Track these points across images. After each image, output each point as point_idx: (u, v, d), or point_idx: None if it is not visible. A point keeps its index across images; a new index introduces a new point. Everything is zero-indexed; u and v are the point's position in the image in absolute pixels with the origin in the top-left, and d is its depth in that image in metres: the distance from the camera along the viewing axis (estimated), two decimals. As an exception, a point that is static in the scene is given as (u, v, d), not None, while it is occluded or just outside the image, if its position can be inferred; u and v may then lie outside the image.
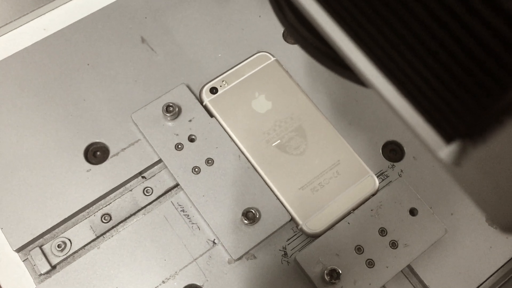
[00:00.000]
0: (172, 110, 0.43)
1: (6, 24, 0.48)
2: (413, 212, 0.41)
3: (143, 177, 0.43)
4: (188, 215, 0.41)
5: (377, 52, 0.17)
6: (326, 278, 0.38)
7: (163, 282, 0.39)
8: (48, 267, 0.38)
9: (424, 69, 0.15)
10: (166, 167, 0.42)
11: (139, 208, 0.41)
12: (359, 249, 0.39)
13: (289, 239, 0.41)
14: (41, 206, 0.40)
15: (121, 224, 0.41)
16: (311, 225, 0.40)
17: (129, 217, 0.41)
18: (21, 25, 0.49)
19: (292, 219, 0.41)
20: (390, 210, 0.41)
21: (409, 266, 0.41)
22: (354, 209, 0.41)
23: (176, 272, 0.39)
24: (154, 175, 0.43)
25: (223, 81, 0.46)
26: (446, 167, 0.16)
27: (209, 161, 0.42)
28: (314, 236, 0.40)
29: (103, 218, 0.41)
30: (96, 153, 0.43)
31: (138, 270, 0.39)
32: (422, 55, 0.15)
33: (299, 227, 0.41)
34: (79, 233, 0.40)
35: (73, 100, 0.45)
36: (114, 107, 0.45)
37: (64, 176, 0.41)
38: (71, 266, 0.38)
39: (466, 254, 0.42)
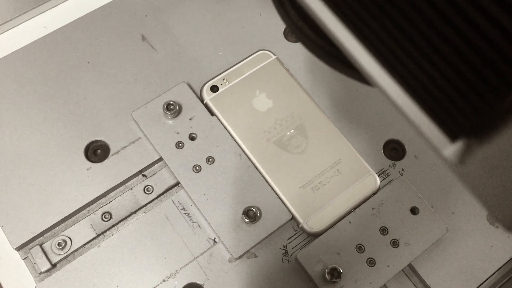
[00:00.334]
0: (172, 109, 0.42)
1: (6, 22, 0.48)
2: (414, 211, 0.41)
3: (143, 175, 0.43)
4: (189, 214, 0.41)
5: (382, 50, 0.17)
6: (327, 277, 0.37)
7: (164, 280, 0.39)
8: (48, 266, 0.38)
9: (429, 67, 0.15)
10: (167, 165, 0.42)
11: (140, 206, 0.41)
12: (360, 248, 0.39)
13: (290, 238, 0.41)
14: (42, 205, 0.40)
15: (122, 222, 0.41)
16: (312, 223, 0.40)
17: (129, 215, 0.41)
18: (21, 23, 0.49)
19: (293, 217, 0.41)
20: (391, 209, 0.41)
21: (410, 265, 0.41)
22: (355, 208, 0.41)
23: (176, 270, 0.39)
24: (155, 174, 0.42)
25: (223, 79, 0.46)
26: (450, 165, 0.16)
27: (210, 160, 0.42)
28: (315, 235, 0.40)
29: (103, 216, 0.41)
30: (96, 151, 0.43)
31: (139, 268, 0.39)
32: (427, 52, 0.15)
33: (300, 225, 0.41)
34: (80, 232, 0.40)
35: (73, 98, 0.45)
36: (115, 105, 0.44)
37: (65, 175, 0.41)
38: (71, 264, 0.38)
39: (467, 253, 0.42)
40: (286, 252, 0.40)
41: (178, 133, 0.43)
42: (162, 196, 0.42)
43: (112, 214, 0.41)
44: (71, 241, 0.39)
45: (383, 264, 0.39)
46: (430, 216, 0.41)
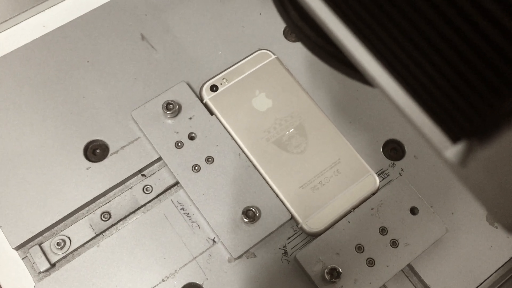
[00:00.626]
0: (172, 108, 0.42)
1: (6, 20, 0.48)
2: (413, 211, 0.41)
3: (143, 175, 0.43)
4: (188, 214, 0.41)
5: (383, 50, 0.17)
6: (326, 277, 0.37)
7: (163, 280, 0.38)
8: (47, 265, 0.38)
9: (431, 68, 0.15)
10: (166, 165, 0.42)
11: (139, 206, 0.41)
12: (359, 248, 0.39)
13: (289, 238, 0.41)
14: (41, 204, 0.40)
15: (121, 222, 0.41)
16: (312, 223, 0.40)
17: (128, 215, 0.41)
18: (20, 22, 0.49)
19: (292, 217, 0.41)
20: (390, 209, 0.41)
21: (409, 265, 0.41)
22: (354, 208, 0.41)
23: (175, 270, 0.39)
24: (154, 173, 0.42)
25: (223, 79, 0.45)
26: (451, 167, 0.16)
27: (209, 159, 0.42)
28: (314, 235, 0.40)
29: (102, 216, 0.40)
30: (95, 151, 0.43)
31: (138, 268, 0.39)
32: (429, 53, 0.15)
33: (299, 225, 0.40)
34: (79, 231, 0.40)
35: (72, 98, 0.44)
36: (114, 105, 0.44)
37: (64, 174, 0.41)
38: (70, 264, 0.38)
39: (467, 253, 0.42)
40: (286, 252, 0.40)
41: (177, 132, 0.42)
42: (161, 196, 0.42)
43: (111, 214, 0.41)
44: (70, 241, 0.39)
45: (383, 264, 0.39)
46: (430, 216, 0.41)
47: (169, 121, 0.43)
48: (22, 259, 0.39)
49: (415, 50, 0.15)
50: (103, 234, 0.40)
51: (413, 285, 0.41)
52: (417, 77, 0.16)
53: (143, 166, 0.42)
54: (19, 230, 0.39)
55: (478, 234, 0.42)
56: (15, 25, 0.49)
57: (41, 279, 0.38)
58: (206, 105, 0.44)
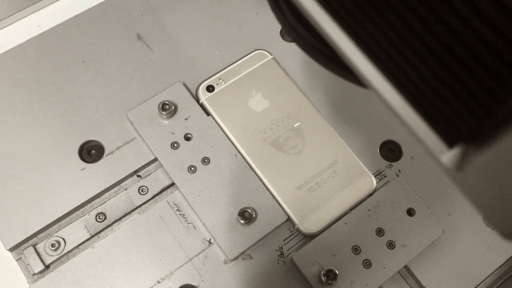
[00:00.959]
0: (168, 108, 0.42)
1: (1, 20, 0.48)
2: (410, 212, 0.41)
3: (138, 176, 0.42)
4: (184, 215, 0.40)
5: (378, 52, 0.16)
6: (323, 278, 0.37)
7: (158, 282, 0.38)
8: (41, 267, 0.38)
9: (427, 71, 0.15)
10: (162, 166, 0.41)
11: (134, 207, 0.41)
12: (356, 250, 0.39)
13: (285, 239, 0.41)
14: (35, 205, 0.40)
15: (116, 223, 0.41)
16: (308, 225, 0.40)
17: (124, 216, 0.41)
18: (15, 21, 0.49)
19: (289, 219, 0.40)
20: (387, 210, 0.41)
21: (406, 267, 0.41)
22: (351, 209, 0.41)
23: (171, 272, 0.39)
24: (150, 174, 0.42)
25: (219, 79, 0.45)
26: (447, 172, 0.16)
27: (205, 160, 0.41)
28: (311, 236, 0.40)
29: (97, 217, 0.40)
30: (90, 152, 0.43)
31: (133, 270, 0.38)
32: (425, 56, 0.15)
33: (295, 227, 0.40)
34: (73, 232, 0.40)
35: (67, 98, 0.44)
36: (109, 105, 0.44)
37: (58, 175, 0.41)
38: (65, 265, 0.38)
39: (464, 255, 0.41)
40: (282, 254, 0.40)
41: (173, 133, 0.42)
42: (157, 197, 0.42)
43: (107, 215, 0.40)
44: (65, 242, 0.39)
45: (379, 265, 0.39)
46: (427, 218, 0.40)
47: (165, 122, 0.43)
48: (16, 260, 0.39)
49: (410, 52, 0.15)
50: (98, 235, 0.40)
51: (410, 286, 0.41)
52: (412, 80, 0.16)
53: (138, 167, 0.42)
54: (13, 231, 0.39)
55: (475, 235, 0.42)
56: (10, 24, 0.48)
57: (35, 281, 0.38)
58: (202, 106, 0.44)
